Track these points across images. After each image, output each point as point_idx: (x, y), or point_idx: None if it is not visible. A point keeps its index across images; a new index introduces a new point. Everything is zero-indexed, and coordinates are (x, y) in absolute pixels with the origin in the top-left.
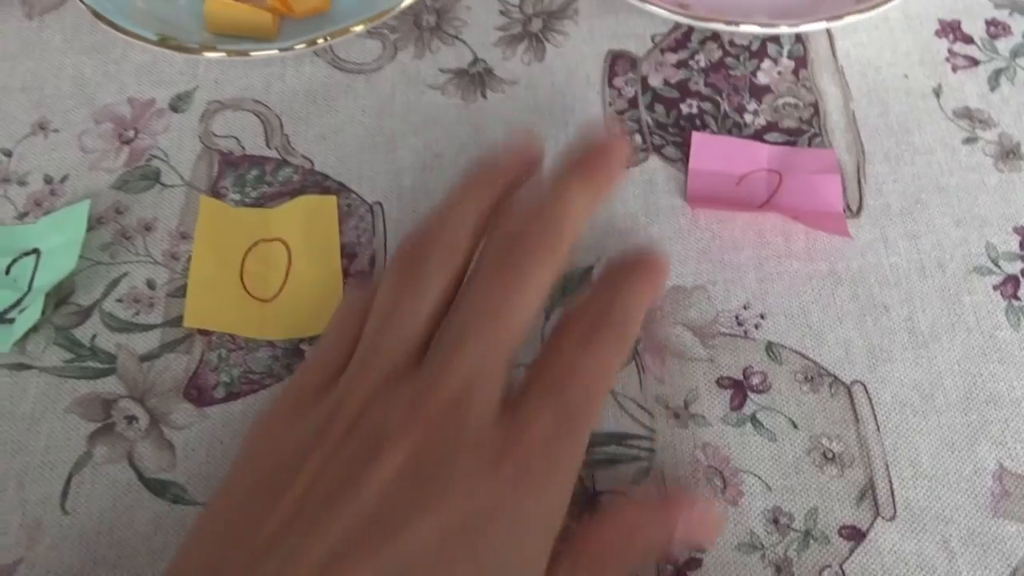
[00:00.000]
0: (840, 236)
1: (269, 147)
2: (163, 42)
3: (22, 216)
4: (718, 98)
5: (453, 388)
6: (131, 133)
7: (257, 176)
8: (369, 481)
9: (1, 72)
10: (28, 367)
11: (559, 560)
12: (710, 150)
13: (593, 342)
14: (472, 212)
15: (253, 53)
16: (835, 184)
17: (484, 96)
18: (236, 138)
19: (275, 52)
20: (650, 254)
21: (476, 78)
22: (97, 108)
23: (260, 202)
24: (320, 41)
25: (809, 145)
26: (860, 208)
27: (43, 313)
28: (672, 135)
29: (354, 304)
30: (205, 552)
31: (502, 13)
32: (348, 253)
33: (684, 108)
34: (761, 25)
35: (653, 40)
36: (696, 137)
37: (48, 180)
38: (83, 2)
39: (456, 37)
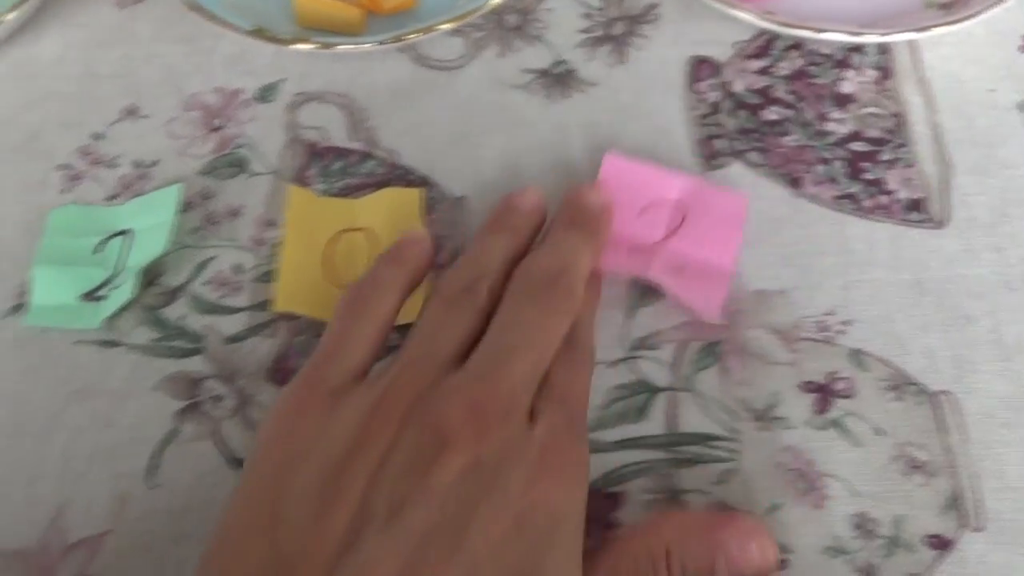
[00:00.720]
0: (707, 311)
1: (354, 139)
2: (257, 33)
3: (111, 198)
4: (801, 105)
5: (503, 397)
6: (218, 121)
7: (342, 167)
8: (435, 484)
9: (93, 59)
10: (117, 344)
11: (598, 560)
12: (620, 175)
13: (576, 362)
14: (505, 251)
15: (343, 47)
16: (734, 236)
17: (567, 96)
18: (322, 129)
19: (367, 47)
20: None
21: (559, 78)
22: (186, 96)
23: (345, 193)
24: (410, 37)
25: (894, 156)
26: (946, 219)
27: (135, 293)
28: (755, 140)
29: (366, 302)
30: (259, 552)
31: (584, 16)
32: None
33: (766, 114)
34: (848, 34)
35: (735, 47)
36: (607, 159)
37: (138, 164)
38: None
39: (538, 38)
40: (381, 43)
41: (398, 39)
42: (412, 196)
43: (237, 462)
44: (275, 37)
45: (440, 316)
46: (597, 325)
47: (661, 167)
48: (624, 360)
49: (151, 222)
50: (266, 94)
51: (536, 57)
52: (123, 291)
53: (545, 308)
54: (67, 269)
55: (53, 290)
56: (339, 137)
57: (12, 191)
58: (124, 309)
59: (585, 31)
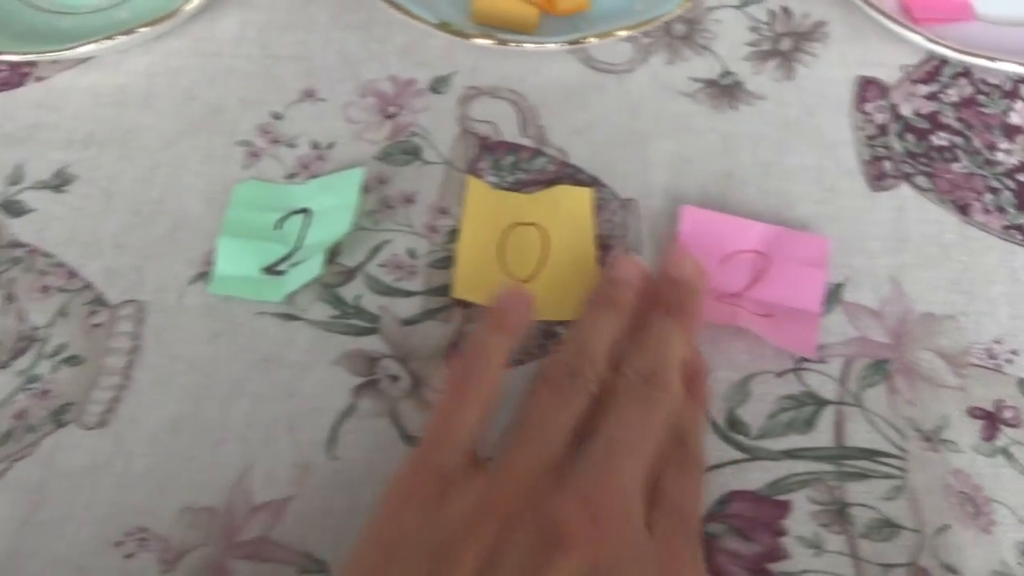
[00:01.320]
0: (802, 350)
1: (524, 135)
2: (443, 26)
3: (290, 176)
4: (969, 133)
5: (619, 498)
6: (393, 109)
7: (513, 162)
8: None
9: (271, 40)
10: (297, 318)
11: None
12: (700, 226)
13: (687, 469)
14: (609, 330)
15: (527, 45)
16: (818, 279)
17: (734, 108)
18: (493, 124)
19: (553, 46)
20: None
21: (726, 89)
22: (361, 82)
23: (516, 187)
24: (588, 41)
25: None
26: None
27: (322, 271)
28: (922, 165)
29: (472, 380)
30: None
31: (752, 29)
32: (601, 244)
33: (935, 140)
34: (1020, 64)
35: (903, 70)
36: (686, 211)
37: (315, 145)
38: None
39: (706, 47)
40: (559, 44)
41: (576, 42)
42: (584, 196)
43: (411, 440)
44: (460, 31)
45: (549, 404)
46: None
47: (738, 217)
48: (792, 371)
49: (333, 203)
50: (438, 85)
51: (704, 67)
52: (308, 268)
53: (645, 407)
54: (250, 242)
55: (236, 261)
56: (510, 132)
57: (196, 163)
58: (304, 285)
59: (752, 44)
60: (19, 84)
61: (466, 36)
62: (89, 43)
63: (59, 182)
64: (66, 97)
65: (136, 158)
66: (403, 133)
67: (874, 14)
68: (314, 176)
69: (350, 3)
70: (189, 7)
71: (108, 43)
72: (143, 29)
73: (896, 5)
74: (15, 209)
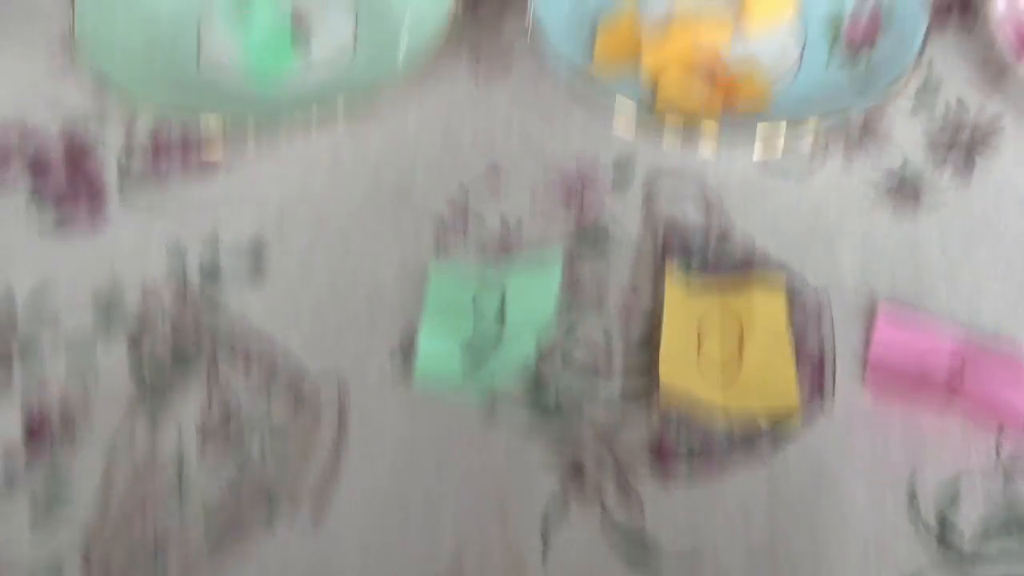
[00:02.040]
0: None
1: (711, 223)
2: (648, 117)
3: (481, 255)
4: None
5: None
6: (579, 189)
7: (701, 248)
8: None
9: (454, 126)
10: (500, 403)
11: None
12: (898, 322)
13: None
14: None
15: (703, 145)
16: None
17: (917, 205)
18: (679, 209)
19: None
20: None
21: (908, 186)
22: (546, 162)
23: (704, 271)
24: (778, 143)
25: None
26: None
27: (534, 359)
28: None
29: None
30: None
31: (928, 124)
32: (795, 333)
33: None
34: None
35: None
36: (882, 308)
37: (504, 224)
38: (581, 89)
39: (884, 144)
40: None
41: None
42: (779, 300)
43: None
44: (659, 117)
45: None
46: None
47: (931, 331)
48: (1002, 468)
49: (531, 284)
50: (622, 168)
51: (884, 164)
52: (521, 348)
53: None
54: (450, 322)
55: (439, 342)
56: (696, 219)
57: (389, 243)
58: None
59: (930, 139)
60: (211, 167)
61: (658, 137)
62: (298, 127)
63: (254, 253)
64: (256, 171)
65: (328, 231)
66: (591, 216)
67: None
68: (506, 256)
69: (530, 87)
70: (390, 95)
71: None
72: (343, 116)
73: None
74: (214, 277)
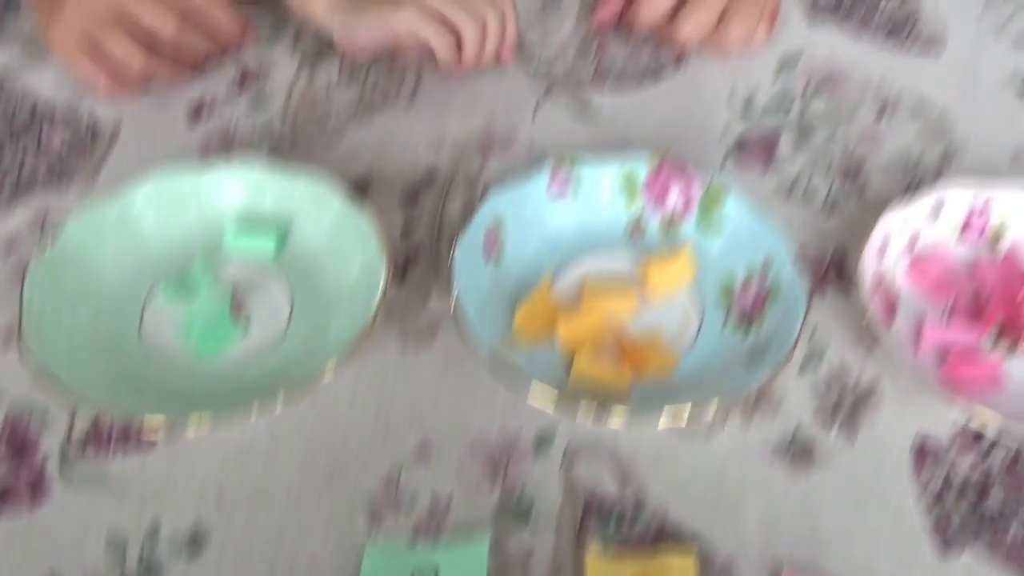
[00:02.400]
0: None
1: (626, 492)
2: (559, 397)
3: (414, 534)
4: (1018, 496)
5: None
6: (503, 465)
7: (617, 517)
8: None
9: (385, 396)
10: None
11: None
12: None
13: None
14: None
15: (615, 420)
16: None
17: (809, 469)
18: (596, 479)
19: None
20: None
21: (800, 451)
22: (471, 438)
23: (623, 544)
24: (683, 416)
25: None
26: None
27: None
28: (984, 529)
29: None
30: None
31: (814, 391)
32: None
33: (990, 503)
34: None
35: (955, 426)
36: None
37: (434, 502)
38: (500, 367)
39: (776, 410)
40: (656, 423)
41: (674, 418)
42: (688, 566)
43: None
44: (572, 403)
45: None
46: None
47: None
48: None
49: (462, 562)
50: (542, 442)
51: (777, 428)
52: None
53: None
54: None
55: None
56: (612, 488)
57: (326, 523)
58: None
59: (817, 406)
60: (151, 446)
61: (572, 408)
62: (225, 414)
63: (193, 539)
64: (196, 455)
65: (266, 513)
66: (514, 488)
67: (916, 385)
68: (439, 535)
69: (454, 361)
70: (328, 379)
71: (244, 416)
72: (280, 401)
73: (938, 374)
74: (154, 568)
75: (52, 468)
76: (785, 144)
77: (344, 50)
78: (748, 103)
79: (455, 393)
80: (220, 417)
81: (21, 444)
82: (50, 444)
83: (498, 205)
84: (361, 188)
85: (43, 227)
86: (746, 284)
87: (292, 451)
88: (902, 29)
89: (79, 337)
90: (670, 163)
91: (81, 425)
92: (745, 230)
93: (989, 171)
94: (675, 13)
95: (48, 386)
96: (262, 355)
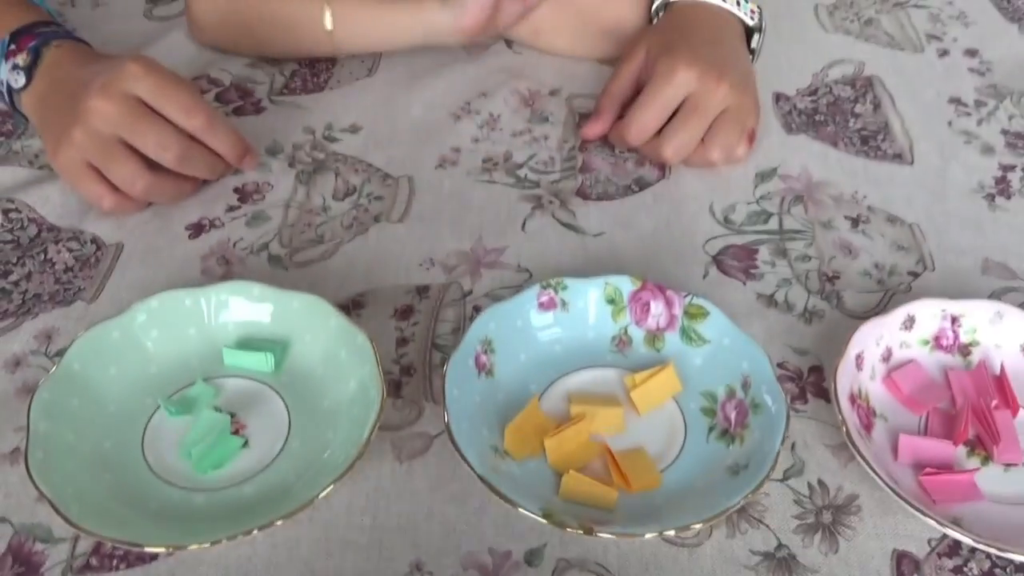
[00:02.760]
0: None
1: None
2: (548, 517)
3: None
4: None
5: None
6: None
7: None
8: None
9: (380, 510)
10: None
11: None
12: None
13: None
14: None
15: (601, 534)
16: None
17: None
18: None
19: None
20: None
21: (782, 563)
22: (463, 555)
23: None
24: (669, 534)
25: None
26: None
27: None
28: None
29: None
30: None
31: (796, 502)
32: None
33: None
34: None
35: (930, 543)
36: None
37: None
38: (490, 483)
39: (760, 521)
40: (644, 535)
41: (658, 533)
42: None
43: None
44: (562, 523)
45: None
46: None
47: None
48: None
49: None
50: (532, 558)
51: (760, 540)
52: None
53: None
54: None
55: None
56: None
57: None
58: None
59: (798, 517)
60: (153, 558)
61: (562, 527)
62: (225, 538)
63: None
64: (196, 570)
65: None
66: None
67: (894, 497)
68: None
69: (447, 475)
70: (324, 494)
71: (244, 537)
72: (279, 522)
73: (915, 483)
74: None
75: None
76: (764, 254)
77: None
78: (728, 214)
79: (447, 507)
80: (220, 537)
81: (27, 560)
82: (57, 558)
83: (488, 322)
84: (357, 303)
85: (48, 345)
86: (728, 398)
87: (290, 566)
88: (874, 138)
89: (82, 457)
90: (652, 283)
91: (84, 545)
92: (726, 345)
93: (960, 280)
94: (660, 131)
95: (52, 510)
96: (262, 469)
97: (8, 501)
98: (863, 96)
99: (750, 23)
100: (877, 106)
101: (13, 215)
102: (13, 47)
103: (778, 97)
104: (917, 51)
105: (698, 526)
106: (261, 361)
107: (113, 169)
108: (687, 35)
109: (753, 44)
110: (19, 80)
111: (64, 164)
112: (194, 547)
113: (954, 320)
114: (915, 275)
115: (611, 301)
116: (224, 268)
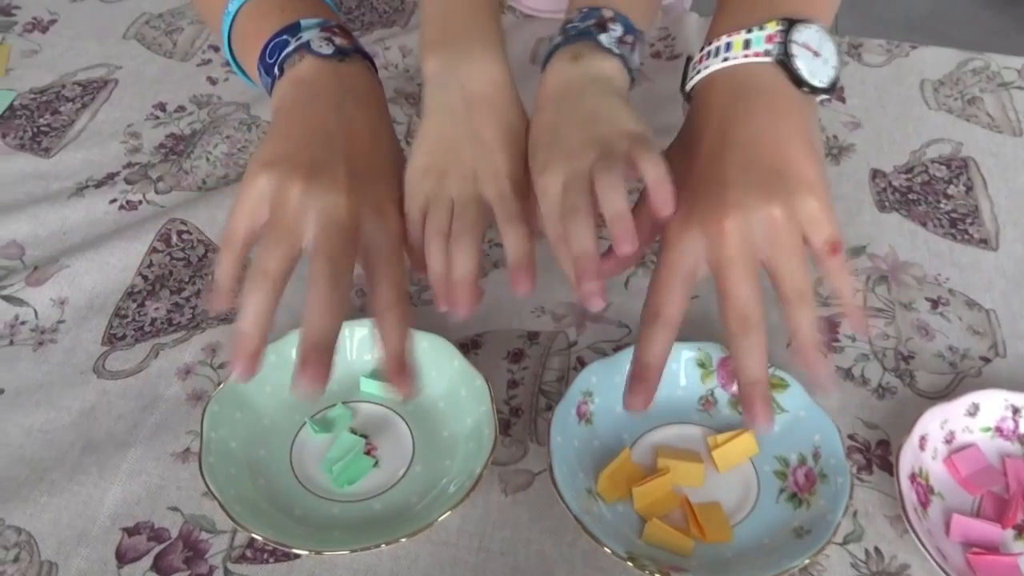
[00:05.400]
0: None
1: None
2: (632, 560)
3: None
4: None
5: None
6: None
7: None
8: None
9: (486, 533)
10: None
11: None
12: None
13: None
14: None
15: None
16: None
17: None
18: None
19: None
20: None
21: None
22: None
23: None
24: None
25: None
26: None
27: None
28: None
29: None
30: None
31: (852, 566)
32: None
33: None
34: None
35: None
36: None
37: None
38: (582, 523)
39: None
40: None
41: None
42: None
43: None
44: (643, 566)
45: None
46: None
47: None
48: None
49: None
50: None
51: None
52: None
53: None
54: None
55: None
56: None
57: None
58: None
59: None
60: (297, 557)
61: (643, 569)
62: (359, 548)
63: None
64: (332, 572)
65: None
66: None
67: (941, 572)
68: None
69: (546, 509)
70: (442, 518)
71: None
72: (403, 539)
73: (963, 560)
74: None
75: (218, 571)
76: (846, 328)
77: None
78: (816, 286)
79: (544, 538)
80: (354, 547)
81: (194, 546)
82: (219, 547)
83: (591, 376)
84: (475, 342)
85: (213, 357)
86: (799, 464)
87: None
88: (963, 221)
89: (242, 463)
90: None
91: (241, 538)
92: (802, 416)
93: None
94: None
95: (217, 506)
96: (388, 488)
97: (180, 493)
98: (957, 177)
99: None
100: (970, 188)
101: (185, 236)
102: (336, 28)
103: (875, 173)
104: (1016, 135)
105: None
106: (392, 392)
107: (268, 243)
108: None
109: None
110: (325, 48)
111: (250, 184)
112: (331, 553)
113: (1016, 411)
114: (986, 360)
115: (701, 365)
116: (362, 299)
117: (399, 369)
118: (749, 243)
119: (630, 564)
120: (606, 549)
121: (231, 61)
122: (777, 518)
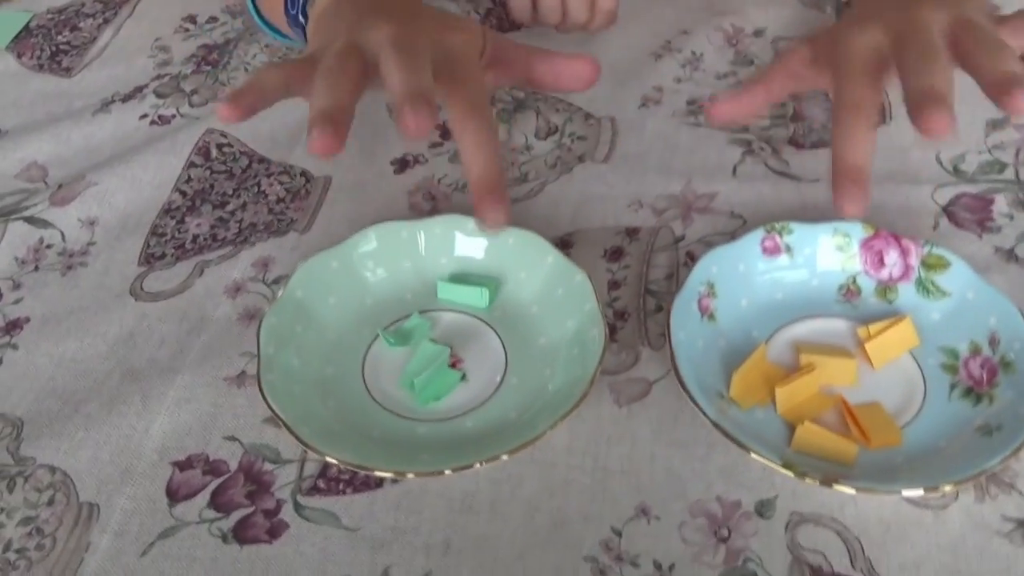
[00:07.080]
0: None
1: (854, 568)
2: (787, 466)
3: None
4: None
5: None
6: (725, 532)
7: None
8: None
9: (601, 453)
10: None
11: None
12: None
13: None
14: None
15: (842, 488)
16: None
17: None
18: (822, 554)
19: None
20: None
21: None
22: (690, 502)
23: None
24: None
25: None
26: None
27: None
28: None
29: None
30: None
31: None
32: None
33: None
34: None
35: None
36: None
37: (657, 566)
38: (723, 429)
39: (1012, 486)
40: (877, 490)
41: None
42: None
43: None
44: (803, 473)
45: None
46: None
47: None
48: None
49: None
50: (763, 509)
51: (1013, 506)
52: None
53: None
54: None
55: None
56: (840, 564)
57: None
58: None
59: None
60: (379, 485)
61: (802, 477)
62: (450, 469)
63: None
64: (422, 500)
65: (491, 568)
66: (738, 559)
67: None
68: None
69: (669, 419)
70: (550, 431)
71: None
72: (504, 456)
73: None
74: None
75: (287, 505)
76: (1001, 205)
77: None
78: (957, 163)
79: (671, 452)
80: (445, 468)
81: (257, 479)
82: (285, 478)
83: (711, 265)
84: (565, 242)
85: (264, 273)
86: (972, 355)
87: (513, 502)
88: None
89: (307, 381)
90: (886, 231)
91: (311, 467)
92: (970, 299)
93: None
94: None
95: (281, 433)
96: (481, 404)
97: (237, 422)
98: None
99: None
100: None
101: (226, 149)
102: None
103: None
104: None
105: (948, 488)
106: (476, 296)
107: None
108: None
109: None
110: None
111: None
112: (418, 475)
113: None
114: None
115: (840, 248)
116: (431, 204)
117: (487, 189)
118: (940, 24)
119: (789, 473)
120: (755, 456)
121: (261, 25)
122: (953, 417)
